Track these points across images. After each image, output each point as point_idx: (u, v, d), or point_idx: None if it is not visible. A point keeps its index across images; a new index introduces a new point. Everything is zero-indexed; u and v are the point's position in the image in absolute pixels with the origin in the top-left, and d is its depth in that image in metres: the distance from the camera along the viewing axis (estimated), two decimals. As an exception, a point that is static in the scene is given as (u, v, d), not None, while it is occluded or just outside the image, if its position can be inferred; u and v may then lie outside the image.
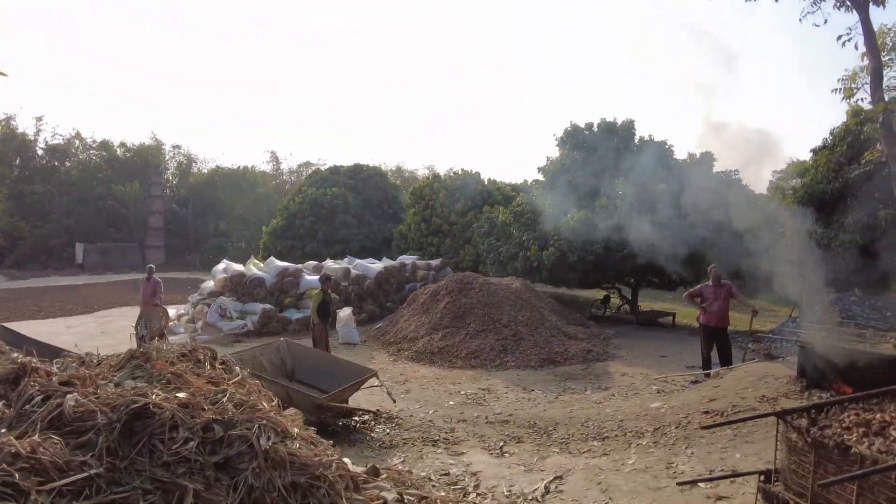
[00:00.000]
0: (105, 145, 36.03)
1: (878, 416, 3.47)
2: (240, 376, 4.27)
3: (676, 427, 6.74)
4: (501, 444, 6.97)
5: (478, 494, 5.26)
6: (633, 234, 14.42)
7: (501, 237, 16.86)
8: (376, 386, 8.42)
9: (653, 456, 5.91)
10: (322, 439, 4.16)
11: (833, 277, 13.47)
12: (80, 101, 67.61)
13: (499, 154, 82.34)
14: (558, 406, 8.47)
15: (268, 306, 14.61)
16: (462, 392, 9.34)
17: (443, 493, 5.21)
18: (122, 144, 36.55)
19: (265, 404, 3.76)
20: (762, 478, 3.63)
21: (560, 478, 5.47)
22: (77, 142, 35.73)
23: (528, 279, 16.47)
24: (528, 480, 5.54)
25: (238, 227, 36.71)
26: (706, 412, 7.10)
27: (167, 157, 38.56)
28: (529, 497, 5.03)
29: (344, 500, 3.46)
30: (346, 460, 4.84)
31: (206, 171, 39.44)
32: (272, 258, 16.46)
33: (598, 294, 17.86)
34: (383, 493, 4.06)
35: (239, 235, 37.15)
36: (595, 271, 15.11)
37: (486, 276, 15.95)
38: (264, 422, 3.53)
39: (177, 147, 39.10)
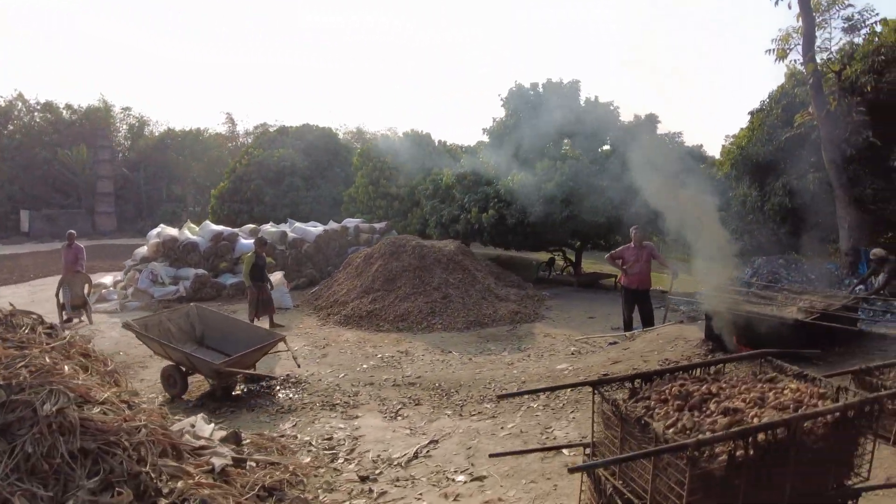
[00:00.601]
0: (49, 107, 34.53)
1: (704, 387, 3.33)
2: (64, 341, 4.03)
3: (571, 390, 6.70)
4: (399, 407, 6.88)
5: (345, 460, 5.15)
6: (573, 196, 14.35)
7: (445, 199, 16.63)
8: (283, 351, 8.25)
9: (535, 419, 5.86)
10: (144, 405, 3.96)
11: (766, 241, 13.62)
12: (22, 60, 64.51)
13: (462, 119, 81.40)
14: (469, 368, 8.41)
15: (201, 271, 14.25)
16: (379, 355, 9.22)
17: (307, 460, 5.10)
18: (68, 106, 35.07)
19: (68, 368, 3.53)
20: (587, 451, 3.51)
21: (435, 442, 5.39)
22: (19, 104, 34.20)
23: (471, 242, 16.36)
24: (405, 445, 5.44)
25: (193, 191, 35.79)
26: (605, 374, 7.08)
27: (117, 120, 37.17)
28: (395, 463, 4.93)
29: (148, 466, 3.28)
30: (193, 427, 4.66)
31: (158, 133, 38.14)
32: (207, 222, 16.02)
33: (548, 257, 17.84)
34: (213, 459, 3.89)
35: (195, 200, 36.27)
36: (535, 234, 15.02)
37: (431, 239, 15.79)
38: (60, 387, 3.31)
39: (127, 109, 37.69)
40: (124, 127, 37.83)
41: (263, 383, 8.09)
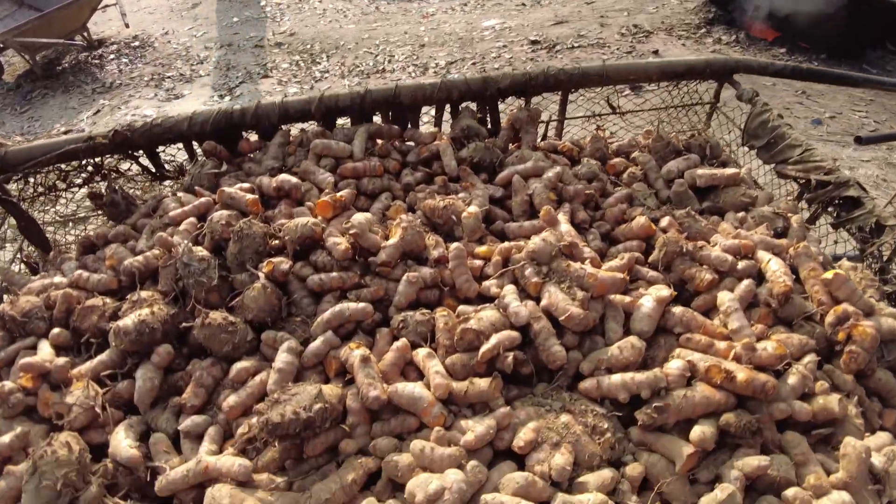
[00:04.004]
0: None
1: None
2: None
3: (473, 63, 4.54)
4: (239, 82, 4.97)
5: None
6: None
7: None
8: (111, 5, 6.04)
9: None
10: None
11: None
12: None
13: None
14: (367, 21, 6.06)
15: None
16: (263, 2, 6.86)
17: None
18: None
19: None
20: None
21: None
22: None
23: None
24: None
25: None
26: (534, 41, 4.76)
27: None
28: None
29: None
30: None
31: None
32: None
33: None
34: None
35: None
36: None
37: None
38: None
39: None
40: None
41: (99, 51, 6.16)
